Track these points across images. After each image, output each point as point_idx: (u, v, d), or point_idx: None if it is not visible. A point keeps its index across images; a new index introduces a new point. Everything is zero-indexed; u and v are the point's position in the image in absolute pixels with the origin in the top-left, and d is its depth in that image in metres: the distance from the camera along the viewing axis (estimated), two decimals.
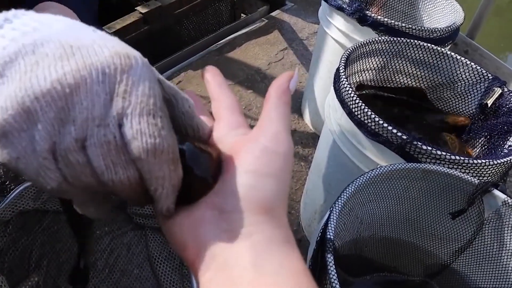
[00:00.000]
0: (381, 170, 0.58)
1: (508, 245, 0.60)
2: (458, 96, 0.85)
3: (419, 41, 0.84)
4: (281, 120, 0.26)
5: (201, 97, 1.39)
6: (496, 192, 0.58)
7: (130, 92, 0.22)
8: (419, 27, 0.88)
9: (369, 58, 0.86)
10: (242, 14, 1.98)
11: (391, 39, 0.84)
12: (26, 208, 0.57)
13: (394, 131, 0.61)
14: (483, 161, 0.59)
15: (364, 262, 0.73)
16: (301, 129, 1.38)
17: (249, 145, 0.25)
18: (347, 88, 0.68)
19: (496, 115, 0.76)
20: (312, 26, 1.83)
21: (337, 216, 0.52)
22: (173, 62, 1.57)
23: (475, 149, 0.79)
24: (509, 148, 0.68)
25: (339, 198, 0.54)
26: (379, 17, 0.90)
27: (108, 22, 1.42)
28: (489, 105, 0.78)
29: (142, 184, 0.23)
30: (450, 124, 0.84)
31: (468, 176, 0.59)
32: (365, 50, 0.84)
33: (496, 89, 0.77)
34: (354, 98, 0.66)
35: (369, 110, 0.64)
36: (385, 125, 0.62)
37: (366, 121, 0.65)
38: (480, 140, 0.78)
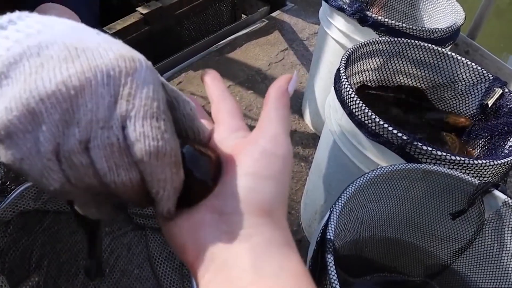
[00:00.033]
0: (381, 171, 0.58)
1: (508, 246, 0.59)
2: (459, 97, 0.85)
3: (420, 42, 0.84)
4: (280, 123, 0.26)
5: (202, 97, 1.40)
6: (497, 192, 0.58)
7: (134, 95, 0.22)
8: (420, 28, 0.88)
9: (370, 59, 0.86)
10: (242, 15, 1.98)
11: (392, 39, 0.84)
12: (27, 209, 0.57)
13: (395, 131, 0.61)
14: (484, 161, 0.59)
15: (364, 263, 0.73)
16: (302, 129, 1.38)
17: (249, 148, 0.25)
18: (348, 89, 0.68)
19: (496, 116, 0.76)
20: (312, 27, 1.83)
21: (337, 217, 0.52)
22: (173, 62, 1.57)
23: (476, 149, 0.79)
24: (510, 148, 0.68)
25: (340, 198, 0.54)
26: (379, 17, 0.90)
27: (109, 22, 1.42)
28: (489, 105, 0.78)
29: (143, 186, 0.23)
30: (450, 124, 0.84)
31: (468, 176, 0.59)
32: (365, 50, 0.84)
33: (496, 89, 0.77)
34: (355, 98, 0.66)
35: (369, 110, 0.64)
36: (386, 125, 0.62)
37: (366, 122, 0.65)
38: (480, 141, 0.78)
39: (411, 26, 0.88)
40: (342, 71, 0.72)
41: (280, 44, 1.72)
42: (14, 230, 0.59)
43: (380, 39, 0.83)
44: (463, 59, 0.82)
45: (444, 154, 0.59)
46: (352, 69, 0.85)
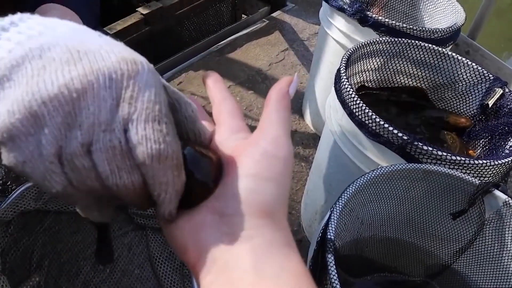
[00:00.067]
0: (382, 171, 0.58)
1: (509, 246, 0.59)
2: (459, 97, 0.85)
3: (420, 42, 0.84)
4: (281, 124, 0.26)
5: (202, 98, 1.40)
6: (497, 192, 0.58)
7: (136, 98, 0.22)
8: (420, 28, 0.88)
9: (370, 59, 0.86)
10: (243, 15, 1.99)
11: (392, 39, 0.84)
12: (28, 209, 0.58)
13: (395, 131, 0.61)
14: (484, 161, 0.59)
15: (365, 263, 0.73)
16: (302, 129, 1.38)
17: (249, 149, 0.25)
18: (348, 89, 0.68)
19: (497, 116, 0.76)
20: (313, 27, 1.83)
21: (337, 217, 0.52)
22: (174, 63, 1.57)
23: (476, 149, 0.79)
24: (510, 148, 0.68)
25: (340, 198, 0.54)
26: (380, 17, 0.90)
27: (109, 23, 1.42)
28: (490, 105, 0.78)
29: (145, 189, 0.23)
30: (451, 124, 0.84)
31: (469, 176, 0.59)
32: (366, 50, 0.84)
33: (497, 89, 0.77)
34: (355, 98, 0.66)
35: (370, 110, 0.64)
36: (386, 125, 0.62)
37: (366, 122, 0.65)
38: (481, 141, 0.78)
39: (411, 27, 0.88)
40: (342, 71, 0.73)
41: (280, 45, 1.72)
42: (15, 230, 0.59)
43: (381, 39, 0.83)
44: (464, 59, 0.82)
45: (444, 154, 0.59)
46: (353, 69, 0.85)
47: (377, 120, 0.63)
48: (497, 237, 0.60)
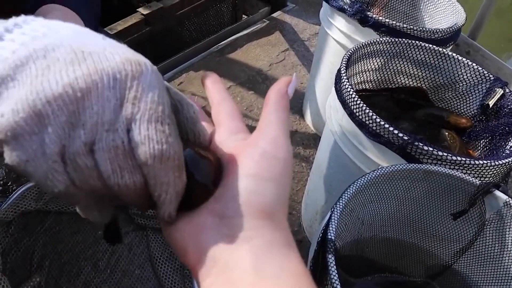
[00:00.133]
0: (382, 171, 0.58)
1: (509, 246, 0.59)
2: (460, 97, 0.85)
3: (421, 42, 0.84)
4: (280, 125, 0.26)
5: (202, 98, 1.40)
6: (498, 193, 0.58)
7: (140, 98, 0.22)
8: (421, 28, 0.88)
9: (371, 59, 0.86)
10: (243, 15, 1.99)
11: (393, 40, 0.84)
12: (28, 209, 0.58)
13: (395, 132, 0.61)
14: (485, 162, 0.59)
15: (365, 263, 0.73)
16: (302, 130, 1.38)
17: (249, 150, 0.25)
18: (348, 89, 0.68)
19: (497, 116, 0.76)
20: (313, 27, 1.83)
21: (338, 217, 0.52)
22: (174, 63, 1.57)
23: (477, 150, 0.79)
24: (511, 149, 0.68)
25: (340, 199, 0.54)
26: (380, 18, 0.90)
27: (110, 23, 1.42)
28: (490, 106, 0.78)
29: (146, 189, 0.23)
30: (451, 125, 0.84)
31: (469, 177, 0.59)
32: (366, 51, 0.84)
33: (497, 90, 0.77)
34: (355, 99, 0.67)
35: (370, 111, 0.64)
36: (386, 125, 0.62)
37: (367, 122, 0.65)
38: (481, 141, 0.78)
39: (412, 27, 0.88)
40: (343, 72, 0.73)
41: (281, 45, 1.72)
42: (15, 231, 0.59)
43: (381, 39, 0.83)
44: (464, 59, 0.82)
45: (445, 154, 0.59)
46: (353, 69, 0.85)
47: (378, 120, 0.63)
48: (497, 238, 0.60)
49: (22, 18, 0.23)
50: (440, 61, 0.84)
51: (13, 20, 0.23)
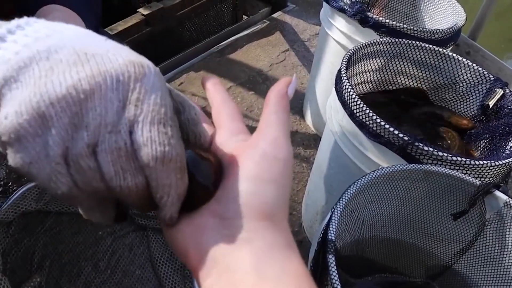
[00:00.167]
0: (382, 171, 0.58)
1: (510, 246, 0.59)
2: (460, 98, 0.85)
3: (421, 43, 0.84)
4: (280, 126, 0.26)
5: (203, 98, 1.40)
6: (498, 193, 0.58)
7: (142, 100, 0.22)
8: (421, 29, 0.89)
9: (371, 60, 0.86)
10: (243, 16, 1.99)
11: (393, 40, 0.84)
12: (29, 209, 0.58)
13: (396, 132, 0.61)
14: (485, 162, 0.59)
15: (366, 263, 0.73)
16: (303, 130, 1.38)
17: (249, 151, 0.25)
18: (349, 89, 0.68)
19: (497, 117, 0.76)
20: (313, 28, 1.83)
21: (338, 217, 0.52)
22: (175, 63, 1.58)
23: (477, 150, 0.79)
24: (511, 149, 0.68)
25: (341, 199, 0.54)
26: (380, 18, 0.90)
27: (110, 23, 1.42)
28: (490, 106, 0.78)
29: (148, 191, 0.23)
30: (452, 125, 0.84)
31: (469, 177, 0.59)
32: (366, 51, 0.84)
33: (497, 90, 0.77)
34: (356, 99, 0.67)
35: (370, 111, 0.64)
36: (387, 126, 0.62)
37: (367, 122, 0.65)
38: (481, 142, 0.78)
39: (412, 27, 0.88)
40: (343, 72, 0.73)
41: (281, 45, 1.72)
42: (16, 231, 0.59)
43: (381, 40, 0.83)
44: (464, 60, 0.82)
45: (445, 155, 0.59)
46: (353, 70, 0.85)
47: (378, 120, 0.63)
48: (498, 238, 0.60)
49: (24, 20, 0.23)
50: (440, 62, 0.84)
51: (16, 21, 0.23)
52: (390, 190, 0.62)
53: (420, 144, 0.60)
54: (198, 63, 1.59)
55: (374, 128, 0.64)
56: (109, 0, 1.57)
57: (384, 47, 0.85)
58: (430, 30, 0.89)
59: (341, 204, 0.53)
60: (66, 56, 0.22)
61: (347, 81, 0.70)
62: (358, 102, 0.66)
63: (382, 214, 0.66)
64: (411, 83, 0.90)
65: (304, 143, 1.34)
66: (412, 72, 0.88)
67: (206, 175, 0.25)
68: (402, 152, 0.62)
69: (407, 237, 0.71)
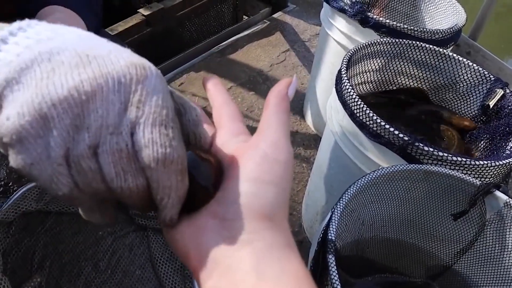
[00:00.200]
0: (382, 172, 0.58)
1: (510, 247, 0.59)
2: (460, 98, 0.85)
3: (421, 43, 0.84)
4: (280, 127, 0.26)
5: (203, 99, 1.40)
6: (498, 193, 0.58)
7: (144, 102, 0.22)
8: (421, 29, 0.89)
9: (371, 60, 0.86)
10: (244, 16, 1.99)
11: (393, 40, 0.84)
12: (29, 209, 0.58)
13: (396, 132, 0.61)
14: (485, 162, 0.59)
15: (366, 263, 0.73)
16: (303, 130, 1.38)
17: (250, 152, 0.25)
18: (349, 90, 0.68)
19: (498, 117, 0.76)
20: (314, 28, 1.83)
21: (338, 217, 0.52)
22: (175, 64, 1.58)
23: (477, 150, 0.79)
24: (511, 149, 0.68)
25: (341, 199, 0.54)
26: (381, 18, 0.90)
27: (111, 24, 1.42)
28: (491, 106, 0.78)
29: (149, 193, 0.23)
30: (454, 126, 0.84)
31: (470, 177, 0.59)
32: (367, 51, 0.84)
33: (498, 90, 0.77)
34: (356, 99, 0.67)
35: (370, 111, 0.64)
36: (387, 126, 0.62)
37: (367, 123, 0.65)
38: (482, 142, 0.78)
39: (412, 27, 0.88)
40: (343, 72, 0.73)
41: (281, 45, 1.72)
42: (16, 231, 0.59)
43: (382, 40, 0.83)
44: (465, 60, 0.82)
45: (445, 155, 0.59)
46: (354, 70, 0.85)
47: (378, 121, 0.63)
48: (498, 238, 0.60)
49: (26, 21, 0.23)
50: (441, 62, 0.84)
51: (17, 23, 0.23)
52: (390, 190, 0.62)
53: (420, 144, 0.60)
54: (198, 64, 1.59)
55: (374, 128, 0.64)
56: (109, 0, 1.57)
57: (385, 47, 0.85)
58: (431, 30, 0.89)
59: (341, 204, 0.53)
60: (68, 58, 0.22)
61: (347, 81, 0.70)
62: (359, 102, 0.66)
63: (382, 214, 0.66)
64: (411, 84, 0.90)
65: (304, 143, 1.34)
66: (412, 73, 0.88)
67: (206, 177, 0.25)
68: (402, 152, 0.62)
69: (407, 237, 0.71)
